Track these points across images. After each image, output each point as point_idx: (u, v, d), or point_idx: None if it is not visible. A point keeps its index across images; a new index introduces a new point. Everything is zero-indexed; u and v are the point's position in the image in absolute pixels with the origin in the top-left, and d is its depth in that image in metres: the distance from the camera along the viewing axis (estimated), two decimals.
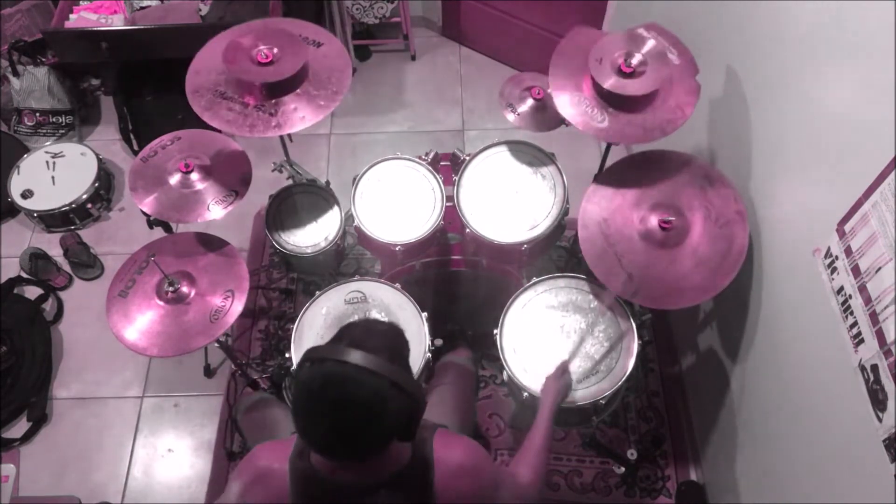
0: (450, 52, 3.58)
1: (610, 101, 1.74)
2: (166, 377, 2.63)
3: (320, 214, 2.19)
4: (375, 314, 1.92)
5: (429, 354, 1.87)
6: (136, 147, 3.13)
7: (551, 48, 1.83)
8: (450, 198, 2.04)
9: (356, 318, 1.91)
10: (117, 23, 2.93)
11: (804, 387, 1.58)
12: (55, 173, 2.93)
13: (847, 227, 1.33)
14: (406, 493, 1.19)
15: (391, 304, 1.94)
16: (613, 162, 1.93)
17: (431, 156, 2.17)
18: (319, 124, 2.07)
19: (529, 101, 1.99)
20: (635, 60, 1.72)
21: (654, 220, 1.74)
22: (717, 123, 2.07)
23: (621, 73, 1.72)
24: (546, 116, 1.98)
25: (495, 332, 1.87)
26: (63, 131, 3.18)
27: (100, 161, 2.98)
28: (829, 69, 1.42)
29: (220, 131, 1.96)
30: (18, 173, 2.91)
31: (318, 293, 1.96)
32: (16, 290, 2.82)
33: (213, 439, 2.47)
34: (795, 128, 1.57)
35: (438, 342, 1.96)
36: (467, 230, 1.98)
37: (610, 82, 1.71)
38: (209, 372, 2.61)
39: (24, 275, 2.86)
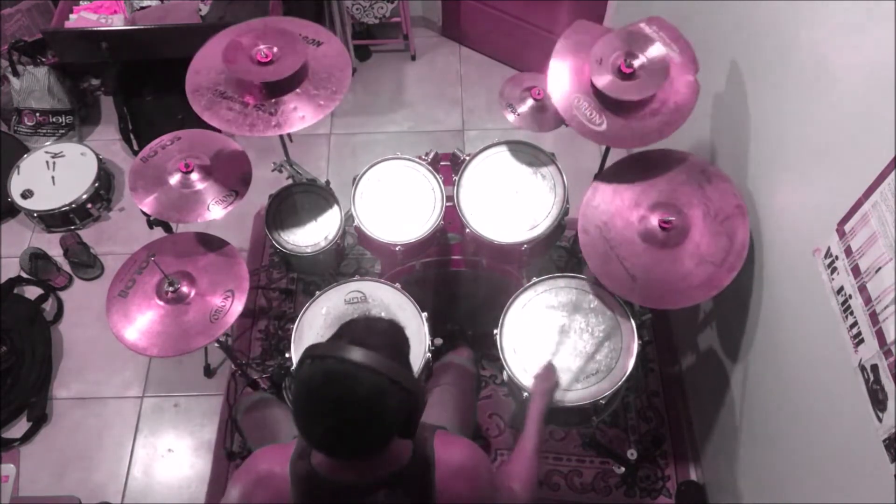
0: (450, 52, 3.58)
1: (608, 103, 1.74)
2: (166, 377, 2.63)
3: (320, 214, 2.19)
4: (375, 314, 1.92)
5: (429, 354, 1.87)
6: (136, 147, 3.13)
7: (551, 48, 1.83)
8: (450, 198, 2.04)
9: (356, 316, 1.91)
10: (117, 23, 2.93)
11: (804, 387, 1.58)
12: (55, 173, 2.93)
13: (847, 227, 1.33)
14: (406, 493, 1.19)
15: (391, 304, 1.94)
16: (610, 164, 1.93)
17: (431, 156, 2.17)
18: (319, 124, 2.07)
19: (529, 102, 1.99)
20: (637, 63, 1.72)
21: (653, 221, 1.74)
22: (718, 122, 2.07)
23: (621, 74, 1.72)
24: (546, 116, 1.98)
25: (495, 332, 1.87)
26: (63, 131, 3.18)
27: (100, 161, 2.98)
28: (829, 68, 1.42)
29: (220, 131, 1.96)
30: (18, 173, 2.91)
31: (318, 293, 1.96)
32: (16, 290, 2.82)
33: (213, 439, 2.47)
34: (795, 127, 1.57)
35: (438, 342, 1.96)
36: (467, 230, 1.98)
37: (609, 86, 1.71)
38: (209, 372, 2.61)
39: (24, 275, 2.86)
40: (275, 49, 1.86)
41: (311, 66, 1.91)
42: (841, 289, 1.36)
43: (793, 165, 1.59)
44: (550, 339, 1.86)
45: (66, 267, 2.89)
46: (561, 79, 1.80)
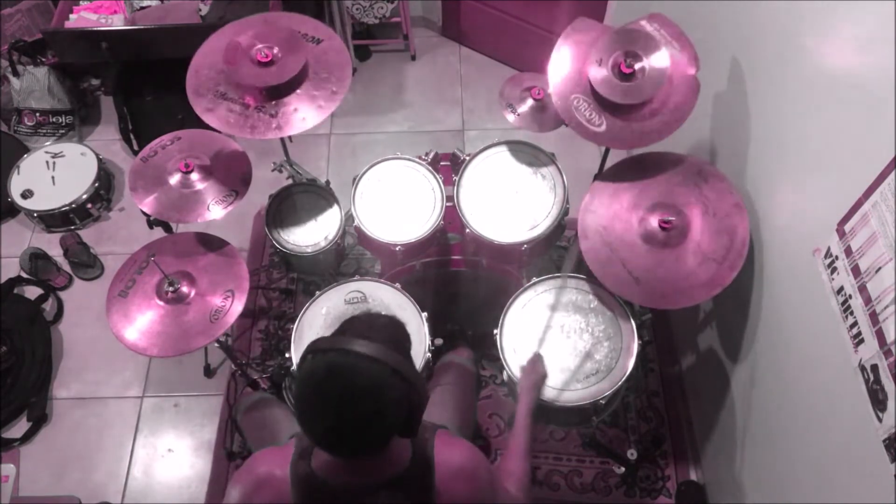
0: (450, 52, 3.58)
1: (607, 104, 1.74)
2: (166, 377, 2.63)
3: (320, 214, 2.19)
4: (376, 311, 1.92)
5: (429, 354, 1.87)
6: (136, 147, 3.13)
7: (551, 48, 1.83)
8: (450, 198, 2.04)
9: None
10: (117, 23, 2.93)
11: (804, 387, 1.58)
12: (55, 173, 2.93)
13: (847, 227, 1.33)
14: (407, 493, 1.19)
15: (391, 304, 1.94)
16: (610, 163, 1.93)
17: (431, 156, 2.17)
18: (319, 124, 2.06)
19: (529, 102, 1.99)
20: (638, 64, 1.72)
21: (653, 222, 1.74)
22: (718, 122, 2.07)
23: (621, 75, 1.72)
24: (546, 116, 1.98)
25: (495, 332, 1.87)
26: (63, 131, 3.18)
27: (100, 161, 2.98)
28: (830, 68, 1.42)
29: (220, 131, 1.96)
30: (18, 173, 2.91)
31: (318, 293, 1.96)
32: (16, 290, 2.82)
33: (213, 439, 2.47)
34: (796, 127, 1.57)
35: (438, 342, 1.96)
36: (467, 230, 1.98)
37: (608, 87, 1.71)
38: (209, 372, 2.61)
39: (24, 275, 2.86)
40: (275, 50, 1.86)
41: (311, 67, 1.91)
42: (841, 289, 1.36)
43: (793, 165, 1.59)
44: (550, 339, 1.86)
45: (66, 267, 2.89)
46: (561, 78, 1.80)
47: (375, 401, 1.05)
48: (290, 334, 1.90)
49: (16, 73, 3.03)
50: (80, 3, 2.99)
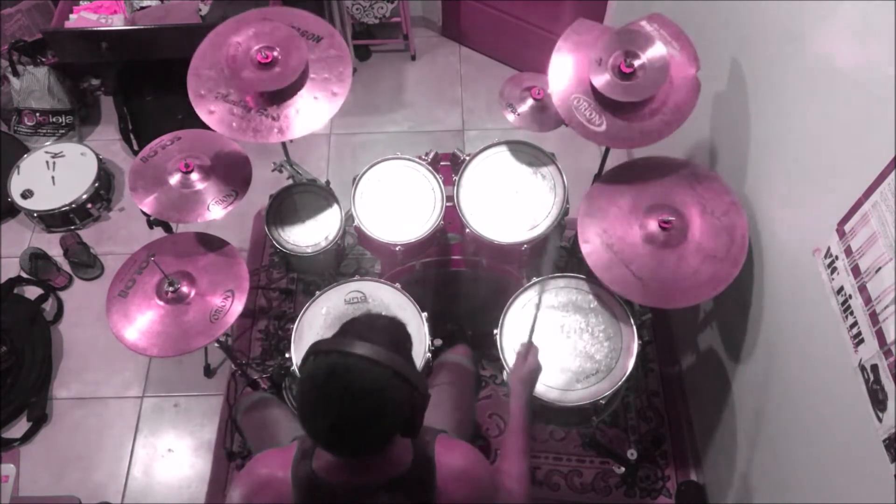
0: (450, 52, 3.58)
1: (608, 103, 1.74)
2: (166, 377, 2.63)
3: (320, 214, 2.19)
4: (376, 312, 1.92)
5: (429, 354, 1.87)
6: (136, 147, 3.13)
7: (551, 48, 1.83)
8: (450, 198, 2.04)
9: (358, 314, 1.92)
10: (117, 23, 2.93)
11: (804, 387, 1.58)
12: (55, 173, 2.93)
13: (847, 227, 1.33)
14: (408, 495, 1.19)
15: (391, 304, 1.94)
16: (610, 163, 1.93)
17: (431, 156, 2.17)
18: None
19: (529, 101, 1.99)
20: (637, 63, 1.72)
21: (653, 223, 1.74)
22: (718, 122, 2.07)
23: (621, 75, 1.72)
24: (546, 116, 1.98)
25: (495, 332, 1.87)
26: (63, 131, 3.18)
27: (100, 161, 2.98)
28: (830, 68, 1.42)
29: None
30: (18, 173, 2.91)
31: (318, 293, 1.96)
32: (16, 290, 2.82)
33: (213, 439, 2.47)
34: (796, 127, 1.57)
35: (438, 342, 1.96)
36: (467, 230, 1.98)
37: (608, 87, 1.71)
38: (209, 372, 2.61)
39: (24, 275, 2.86)
40: (276, 51, 1.85)
41: (312, 67, 1.90)
42: (841, 289, 1.36)
43: (793, 165, 1.59)
44: (550, 339, 1.86)
45: (66, 267, 2.89)
46: (561, 79, 1.80)
47: (376, 402, 1.06)
48: (290, 334, 1.90)
49: (16, 73, 3.03)
50: (80, 3, 2.99)
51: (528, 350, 1.60)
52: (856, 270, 1.30)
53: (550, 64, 1.81)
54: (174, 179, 1.96)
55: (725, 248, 1.71)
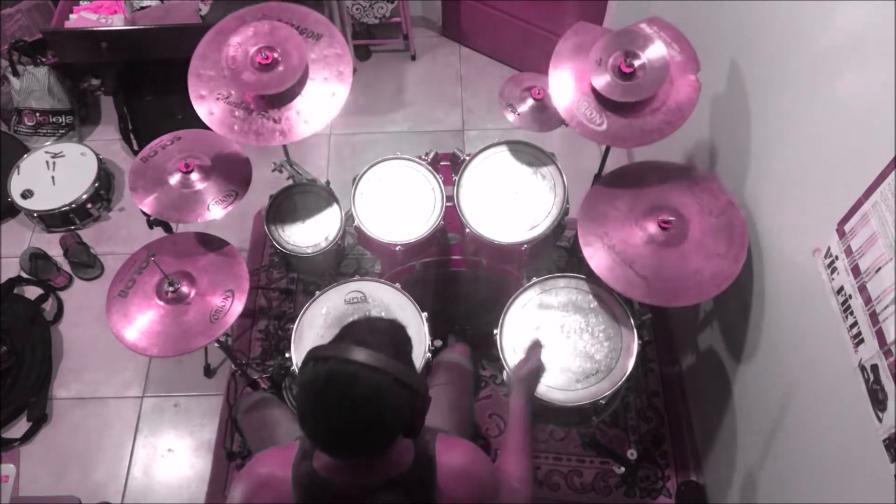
0: (450, 52, 3.58)
1: (608, 103, 1.74)
2: (166, 377, 2.63)
3: (320, 214, 2.19)
4: (375, 314, 1.92)
5: (429, 354, 1.87)
6: (136, 147, 3.13)
7: (551, 48, 1.83)
8: (450, 198, 2.04)
9: (356, 318, 1.91)
10: (117, 23, 2.93)
11: (804, 387, 1.58)
12: (55, 173, 2.93)
13: (847, 227, 1.33)
14: (409, 494, 1.19)
15: (391, 304, 1.94)
16: (610, 163, 1.93)
17: (431, 156, 2.17)
18: None
19: (529, 101, 1.99)
20: (637, 62, 1.72)
21: (653, 223, 1.74)
22: (718, 122, 2.07)
23: (621, 75, 1.72)
24: (546, 116, 1.98)
25: (495, 332, 1.87)
26: (63, 131, 3.18)
27: (100, 161, 2.98)
28: (830, 68, 1.42)
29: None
30: (18, 173, 2.91)
31: (318, 293, 1.96)
32: (16, 290, 2.82)
33: (213, 439, 2.47)
34: (796, 127, 1.57)
35: (438, 343, 1.96)
36: (467, 230, 1.98)
37: (608, 86, 1.72)
38: (209, 372, 2.61)
39: (24, 275, 2.86)
40: (276, 52, 1.84)
41: (312, 67, 1.90)
42: (841, 289, 1.36)
43: (793, 165, 1.59)
44: (550, 339, 1.86)
45: (66, 267, 2.89)
46: (562, 81, 1.80)
47: (377, 409, 1.06)
48: (290, 334, 1.90)
49: (16, 73, 3.03)
50: (80, 3, 2.99)
51: (532, 349, 1.66)
52: (856, 270, 1.30)
53: (551, 66, 1.81)
54: (174, 179, 1.96)
55: (726, 246, 1.71)
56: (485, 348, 2.33)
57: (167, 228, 2.19)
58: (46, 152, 2.98)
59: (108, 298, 1.89)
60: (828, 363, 1.45)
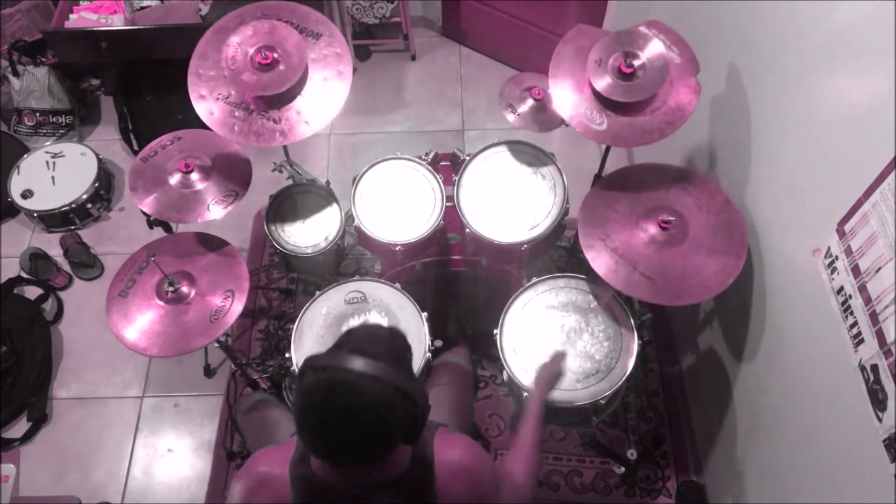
0: (450, 52, 3.58)
1: (609, 102, 1.74)
2: (166, 377, 2.63)
3: (320, 214, 2.19)
4: (375, 314, 1.92)
5: (429, 354, 1.87)
6: (136, 147, 3.13)
7: (551, 48, 1.83)
8: (450, 198, 2.04)
9: (356, 318, 1.91)
10: (117, 23, 2.93)
11: (804, 387, 1.58)
12: (55, 173, 2.93)
13: (847, 227, 1.33)
14: (408, 493, 1.19)
15: (391, 304, 1.94)
16: (610, 164, 1.93)
17: (431, 156, 2.17)
18: None
19: (529, 102, 1.99)
20: (637, 62, 1.72)
21: (653, 224, 1.75)
22: (718, 123, 2.07)
23: (621, 75, 1.72)
24: (546, 116, 1.98)
25: (495, 332, 1.88)
26: (63, 131, 3.18)
27: (100, 161, 2.98)
28: (829, 69, 1.42)
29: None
30: (18, 173, 2.91)
31: (318, 293, 1.96)
32: (16, 290, 2.82)
33: (213, 439, 2.47)
34: (796, 127, 1.57)
35: (438, 343, 1.96)
36: (467, 230, 1.98)
37: (608, 87, 1.72)
38: (209, 372, 2.61)
39: (24, 275, 2.86)
40: (275, 52, 1.84)
41: (311, 67, 1.90)
42: (841, 289, 1.36)
43: (793, 165, 1.59)
44: (550, 339, 1.86)
45: (66, 267, 2.89)
46: (562, 81, 1.80)
47: (377, 420, 1.05)
48: (290, 334, 1.90)
49: (16, 73, 3.03)
50: (80, 3, 2.99)
51: (559, 356, 1.73)
52: (856, 270, 1.30)
53: (551, 64, 1.81)
54: (174, 179, 1.96)
55: (726, 243, 1.72)
56: (485, 348, 2.34)
57: (167, 228, 2.19)
58: (46, 152, 2.98)
59: (108, 298, 1.89)
60: (828, 363, 1.45)
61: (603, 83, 1.73)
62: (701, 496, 2.29)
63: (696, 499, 2.28)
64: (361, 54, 3.54)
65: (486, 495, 1.27)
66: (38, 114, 3.11)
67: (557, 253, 2.70)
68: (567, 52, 1.83)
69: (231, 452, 2.38)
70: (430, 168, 2.10)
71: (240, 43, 1.85)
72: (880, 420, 1.24)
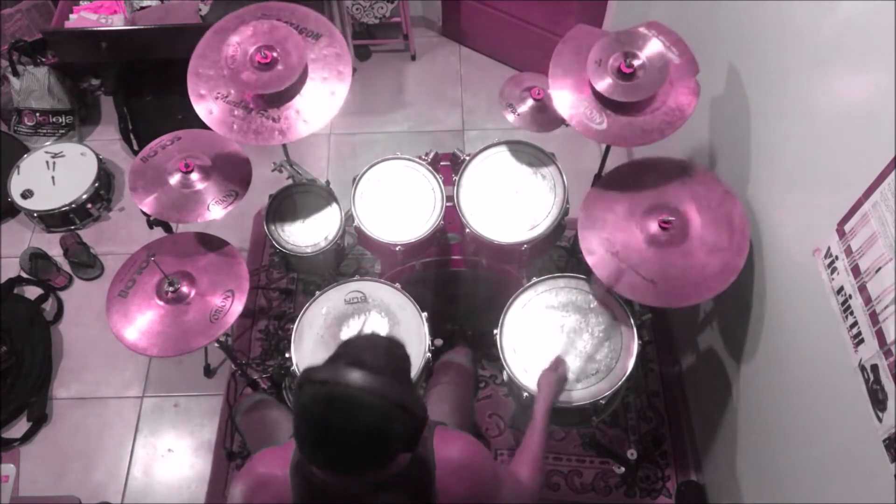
0: (450, 52, 3.58)
1: (609, 102, 1.74)
2: (166, 377, 2.63)
3: (320, 214, 2.19)
4: (375, 314, 1.92)
5: (429, 354, 1.87)
6: (136, 147, 3.13)
7: (551, 48, 1.83)
8: (450, 198, 2.04)
9: (356, 318, 1.91)
10: (117, 23, 2.93)
11: (804, 387, 1.58)
12: (55, 173, 2.93)
13: (847, 227, 1.33)
14: (408, 492, 1.19)
15: (391, 304, 1.94)
16: (609, 164, 1.93)
17: (431, 156, 2.17)
18: None
19: (529, 102, 1.99)
20: (637, 62, 1.72)
21: (653, 224, 1.74)
22: (717, 123, 2.07)
23: (621, 75, 1.72)
24: (546, 117, 1.98)
25: (495, 332, 1.87)
26: (63, 131, 3.18)
27: (100, 161, 2.98)
28: (829, 69, 1.42)
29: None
30: (18, 173, 2.91)
31: (318, 293, 1.96)
32: (16, 290, 2.82)
33: (213, 439, 2.47)
34: (796, 127, 1.57)
35: (438, 342, 1.96)
36: (467, 230, 1.98)
37: (608, 87, 1.72)
38: (209, 372, 2.61)
39: (24, 275, 2.86)
40: (275, 52, 1.84)
41: (311, 67, 1.90)
42: (841, 289, 1.36)
43: (793, 165, 1.59)
44: (550, 339, 1.86)
45: (66, 267, 2.89)
46: (562, 81, 1.80)
47: (377, 433, 1.04)
48: (290, 334, 1.90)
49: (16, 73, 3.03)
50: (80, 3, 2.99)
51: (559, 361, 1.79)
52: (856, 270, 1.30)
53: (551, 63, 1.81)
54: (174, 179, 1.96)
55: (727, 237, 1.71)
56: (485, 348, 2.34)
57: (167, 228, 2.20)
58: (46, 152, 2.98)
59: (108, 298, 1.89)
60: (828, 363, 1.45)
61: (603, 83, 1.73)
62: (701, 496, 2.29)
63: (696, 499, 2.28)
64: (361, 54, 3.54)
65: (487, 493, 1.27)
66: (38, 114, 3.11)
67: (557, 253, 2.70)
68: (567, 53, 1.83)
69: (231, 452, 2.38)
70: (430, 168, 2.10)
71: (239, 42, 1.85)
72: (880, 420, 1.24)
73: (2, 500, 2.37)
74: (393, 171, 2.10)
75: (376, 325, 1.91)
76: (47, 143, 3.10)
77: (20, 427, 2.52)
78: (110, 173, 3.09)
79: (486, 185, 2.03)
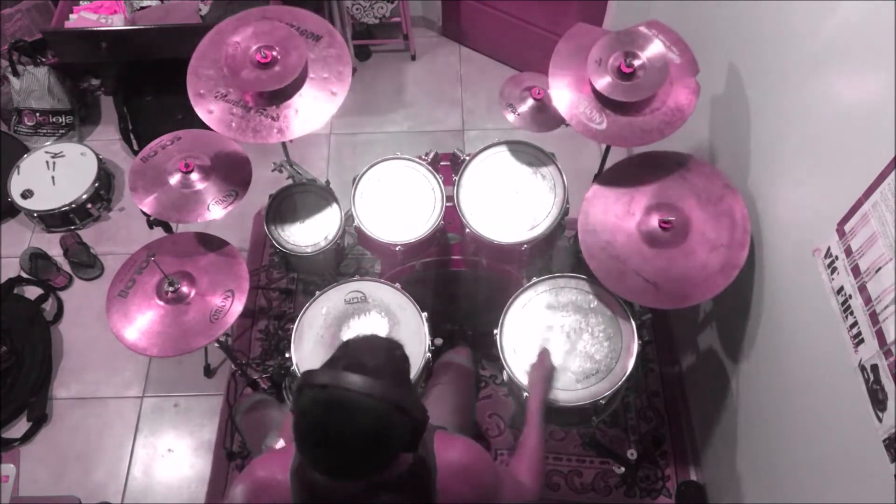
0: (450, 52, 3.58)
1: (608, 102, 1.74)
2: (166, 377, 2.63)
3: (320, 214, 2.19)
4: (375, 314, 1.92)
5: (429, 354, 1.87)
6: (136, 147, 3.13)
7: (551, 48, 1.83)
8: (450, 198, 2.04)
9: (356, 318, 1.91)
10: (117, 23, 2.93)
11: (804, 387, 1.58)
12: (55, 173, 2.93)
13: (847, 227, 1.33)
14: (408, 495, 1.19)
15: (391, 304, 1.94)
16: (609, 164, 1.94)
17: (431, 156, 2.17)
18: None
19: (529, 101, 1.99)
20: (637, 62, 1.72)
21: (653, 224, 1.74)
22: (717, 123, 2.07)
23: (621, 75, 1.72)
24: (546, 116, 1.98)
25: (495, 332, 1.87)
26: (63, 131, 3.18)
27: (100, 161, 2.98)
28: (829, 69, 1.42)
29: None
30: (18, 173, 2.91)
31: (318, 293, 1.96)
32: (16, 290, 2.82)
33: (213, 439, 2.47)
34: (796, 127, 1.57)
35: (438, 342, 1.96)
36: (467, 230, 1.98)
37: (608, 87, 1.72)
38: (209, 372, 2.61)
39: (24, 275, 2.86)
40: (275, 52, 1.84)
41: (311, 67, 1.90)
42: (841, 289, 1.36)
43: (793, 165, 1.59)
44: (550, 340, 1.86)
45: (66, 267, 2.89)
46: (561, 81, 1.80)
47: (377, 436, 1.04)
48: (290, 334, 1.90)
49: (16, 73, 3.03)
50: (80, 3, 2.99)
51: (544, 354, 1.78)
52: (856, 270, 1.30)
53: (551, 63, 1.81)
54: (174, 179, 1.96)
55: (729, 232, 1.71)
56: (485, 348, 2.33)
57: (167, 228, 2.20)
58: (46, 152, 2.98)
59: (108, 298, 1.90)
60: (828, 363, 1.45)
61: (603, 83, 1.73)
62: (701, 496, 2.29)
63: (696, 499, 2.28)
64: (361, 54, 3.54)
65: (487, 494, 1.27)
66: (38, 114, 3.11)
67: (567, 254, 2.70)
68: (567, 52, 1.83)
69: (231, 452, 2.39)
70: (430, 168, 2.10)
71: (239, 42, 1.85)
72: (880, 420, 1.24)
73: (2, 500, 2.37)
74: (393, 171, 2.10)
75: (376, 325, 1.91)
76: (47, 143, 3.10)
77: (20, 427, 2.52)
78: (110, 173, 3.09)
79: (486, 185, 2.03)
